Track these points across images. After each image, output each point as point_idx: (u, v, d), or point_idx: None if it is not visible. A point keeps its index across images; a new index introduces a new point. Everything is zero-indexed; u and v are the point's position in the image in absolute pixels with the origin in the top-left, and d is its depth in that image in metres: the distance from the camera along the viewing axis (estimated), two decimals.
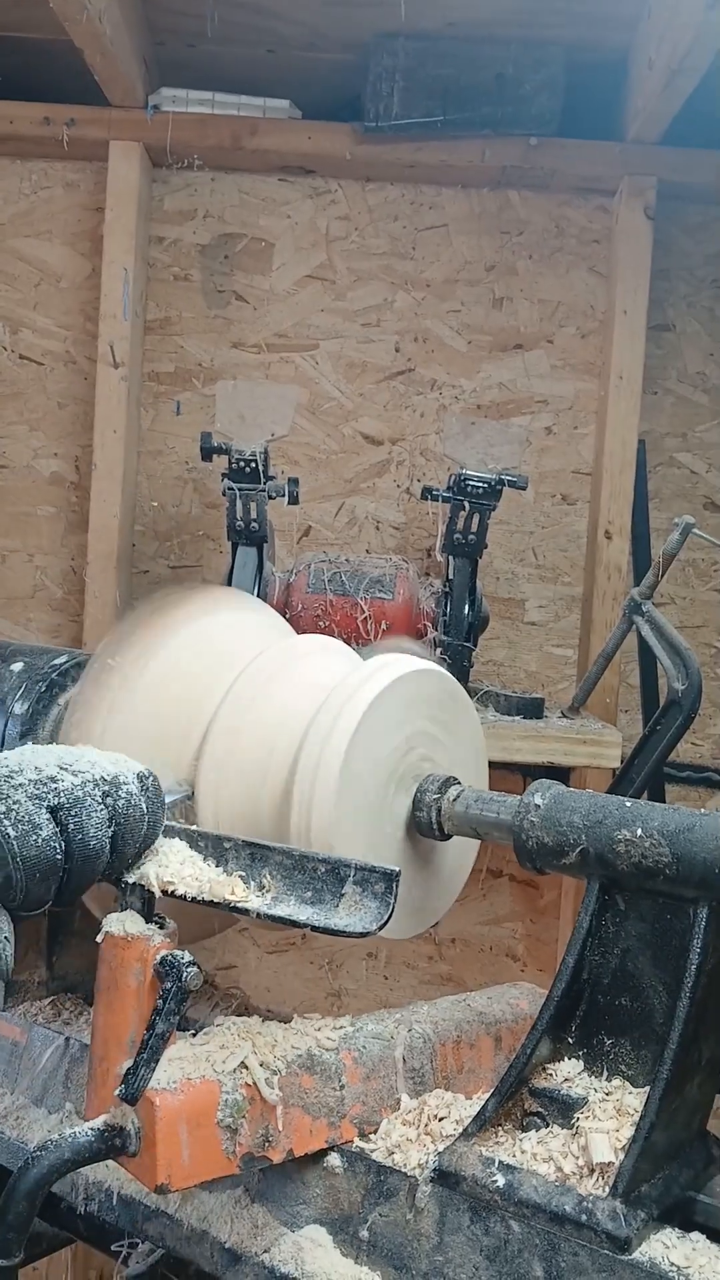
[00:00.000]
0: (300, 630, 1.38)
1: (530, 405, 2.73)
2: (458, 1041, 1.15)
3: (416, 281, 2.74)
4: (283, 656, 1.20)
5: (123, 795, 0.99)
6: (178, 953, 0.94)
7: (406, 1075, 1.09)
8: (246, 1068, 0.97)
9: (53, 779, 0.96)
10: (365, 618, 2.25)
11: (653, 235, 2.57)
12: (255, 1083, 0.97)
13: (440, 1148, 1.00)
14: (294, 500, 2.33)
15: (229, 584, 2.24)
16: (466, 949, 2.71)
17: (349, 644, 1.33)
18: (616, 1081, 0.99)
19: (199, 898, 1.00)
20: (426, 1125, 1.04)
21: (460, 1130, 1.00)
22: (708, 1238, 0.90)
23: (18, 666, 1.30)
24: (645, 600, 2.18)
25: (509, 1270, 0.92)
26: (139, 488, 2.76)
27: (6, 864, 0.91)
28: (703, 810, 1.00)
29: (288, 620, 1.41)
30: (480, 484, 2.24)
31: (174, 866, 1.02)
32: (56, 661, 1.30)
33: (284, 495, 2.30)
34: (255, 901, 0.99)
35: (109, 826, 0.97)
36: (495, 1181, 0.93)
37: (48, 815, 0.94)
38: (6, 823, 0.92)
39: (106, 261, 2.62)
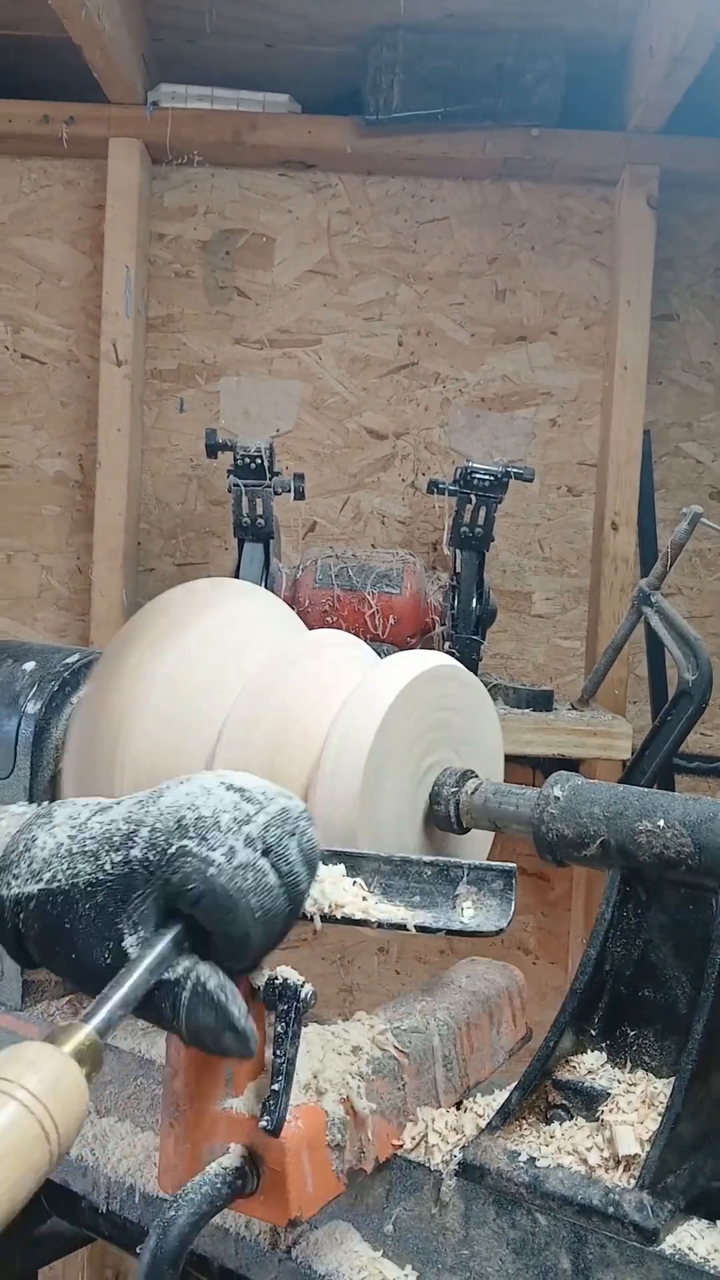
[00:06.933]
0: (308, 626, 1.37)
1: (535, 397, 2.73)
2: (468, 1024, 1.15)
3: (419, 275, 2.73)
4: (300, 649, 1.19)
5: (302, 824, 0.85)
6: (282, 973, 0.85)
7: (443, 1064, 1.08)
8: (345, 1082, 0.94)
9: (250, 817, 0.80)
10: (373, 612, 2.25)
11: (655, 224, 2.56)
12: (350, 1096, 0.94)
13: (464, 1141, 1.00)
14: (299, 495, 2.33)
15: None
16: (479, 942, 2.70)
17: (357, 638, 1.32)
18: (640, 1073, 0.99)
19: (347, 917, 0.92)
20: (449, 1119, 1.04)
21: (484, 1123, 0.99)
22: None
23: (30, 666, 1.30)
24: (654, 591, 2.17)
25: (536, 1263, 0.91)
26: (143, 485, 2.76)
27: (245, 923, 0.76)
28: None
29: None
30: (486, 476, 2.23)
31: (329, 887, 0.94)
32: (68, 660, 1.30)
33: (289, 491, 2.29)
34: (380, 911, 0.94)
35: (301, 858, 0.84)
36: (520, 1174, 0.93)
37: (266, 860, 0.79)
38: (238, 877, 0.77)
39: (108, 259, 2.62)
